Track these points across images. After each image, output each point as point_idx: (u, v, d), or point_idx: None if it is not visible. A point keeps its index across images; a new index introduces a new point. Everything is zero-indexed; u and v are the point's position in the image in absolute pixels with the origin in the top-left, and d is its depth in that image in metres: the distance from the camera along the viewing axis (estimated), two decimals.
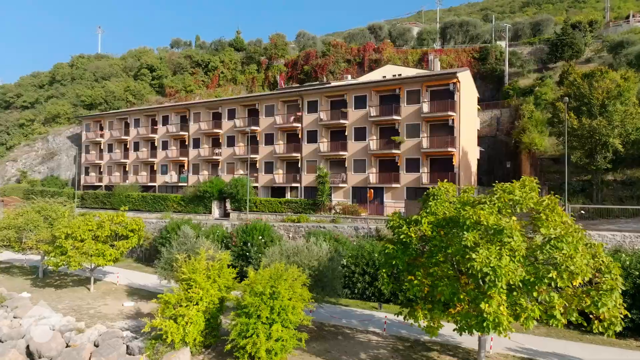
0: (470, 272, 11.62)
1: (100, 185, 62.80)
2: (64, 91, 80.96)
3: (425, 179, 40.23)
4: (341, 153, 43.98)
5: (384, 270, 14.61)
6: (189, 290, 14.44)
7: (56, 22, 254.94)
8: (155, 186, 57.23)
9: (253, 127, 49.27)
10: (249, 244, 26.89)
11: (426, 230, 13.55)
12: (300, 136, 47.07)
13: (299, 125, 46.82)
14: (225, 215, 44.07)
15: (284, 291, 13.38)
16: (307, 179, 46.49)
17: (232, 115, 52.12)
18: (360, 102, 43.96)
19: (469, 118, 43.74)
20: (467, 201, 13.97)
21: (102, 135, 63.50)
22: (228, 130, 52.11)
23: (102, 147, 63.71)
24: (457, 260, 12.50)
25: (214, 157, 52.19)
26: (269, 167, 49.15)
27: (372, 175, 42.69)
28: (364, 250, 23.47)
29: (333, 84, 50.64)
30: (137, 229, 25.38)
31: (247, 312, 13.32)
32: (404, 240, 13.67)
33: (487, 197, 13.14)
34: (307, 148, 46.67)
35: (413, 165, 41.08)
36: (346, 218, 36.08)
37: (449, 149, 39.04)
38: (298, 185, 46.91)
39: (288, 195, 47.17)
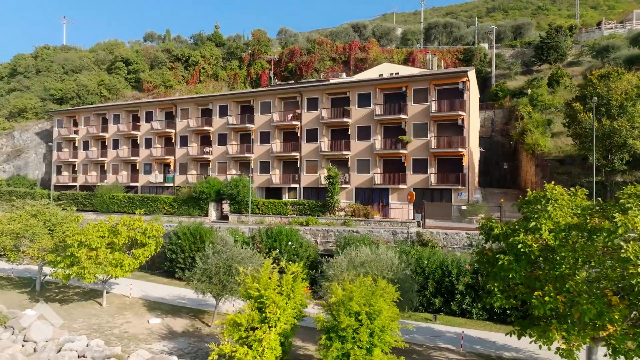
0: (636, 289, 10.25)
1: (75, 186, 58.48)
2: (28, 84, 75.24)
3: (432, 180, 39.23)
4: (344, 153, 42.38)
5: (495, 284, 13.09)
6: (264, 310, 12.35)
7: (15, 11, 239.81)
8: (137, 186, 53.71)
9: (248, 125, 46.92)
10: (278, 251, 24.82)
11: (548, 239, 12.14)
12: (299, 135, 45.11)
13: (298, 123, 44.86)
14: (223, 217, 41.55)
15: (385, 310, 11.63)
16: (307, 179, 44.63)
17: (224, 112, 49.49)
18: (364, 100, 42.50)
19: (474, 118, 43.20)
20: (590, 206, 12.71)
21: (76, 132, 59.14)
22: (220, 128, 49.44)
23: (76, 145, 59.34)
24: (604, 275, 11.12)
25: (204, 156, 49.39)
26: (265, 167, 46.92)
27: (377, 176, 41.34)
28: (410, 257, 21.94)
29: (334, 80, 48.98)
30: (156, 235, 22.75)
31: (343, 336, 11.47)
32: (522, 250, 12.17)
33: (627, 200, 11.81)
34: (306, 147, 44.78)
35: (420, 165, 40.01)
36: (359, 221, 34.46)
37: (459, 150, 38.20)
38: (297, 185, 44.95)
39: (286, 197, 45.14)
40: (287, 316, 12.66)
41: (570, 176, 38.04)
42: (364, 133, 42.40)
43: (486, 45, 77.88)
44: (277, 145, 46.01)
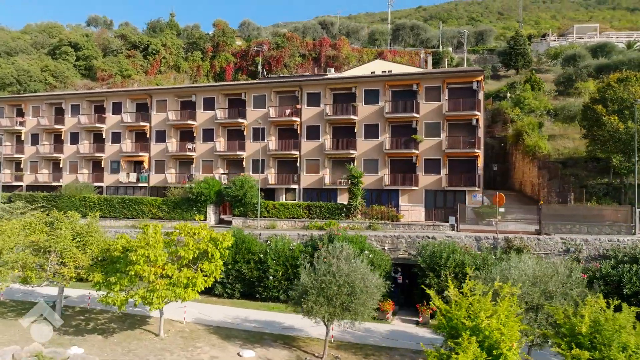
0: None
1: (20, 185, 50.48)
2: None
3: (445, 181, 38.12)
4: (350, 152, 40.03)
5: None
6: (496, 348, 9.64)
7: None
8: (102, 187, 47.32)
9: (239, 120, 42.96)
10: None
11: None
12: (299, 132, 42.04)
13: (298, 119, 41.78)
14: (221, 221, 37.39)
15: None
16: (308, 179, 41.71)
17: (210, 105, 44.99)
18: (372, 97, 40.46)
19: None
20: None
21: (22, 123, 51.09)
22: (205, 123, 44.88)
23: (22, 138, 51.28)
24: None
25: (187, 154, 44.53)
26: (258, 166, 43.19)
27: (386, 177, 39.48)
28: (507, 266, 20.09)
29: (339, 75, 46.44)
30: (227, 246, 18.63)
31: None
32: None
33: None
34: (307, 145, 41.84)
35: (432, 166, 38.74)
36: (385, 224, 32.32)
37: (475, 150, 37.43)
38: (296, 186, 41.84)
39: (282, 198, 41.84)
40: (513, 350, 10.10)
41: (578, 178, 38.73)
42: (372, 131, 40.36)
43: (450, 49, 79.44)
44: (273, 143, 42.56)
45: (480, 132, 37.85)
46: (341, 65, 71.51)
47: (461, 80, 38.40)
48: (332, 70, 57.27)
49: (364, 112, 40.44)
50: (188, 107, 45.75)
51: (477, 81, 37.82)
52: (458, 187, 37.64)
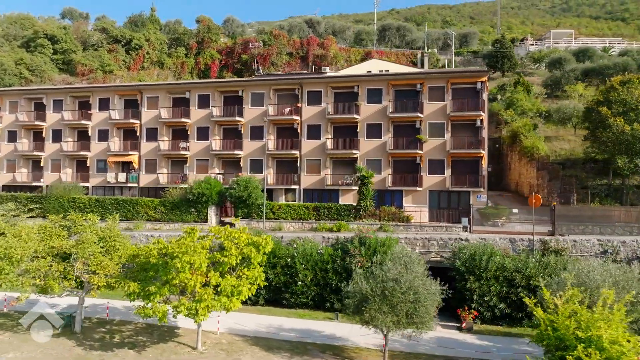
0: None
1: None
2: None
3: (449, 181, 37.87)
4: (353, 152, 39.25)
5: None
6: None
7: None
8: (88, 187, 44.83)
9: (237, 118, 41.51)
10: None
11: None
12: (299, 131, 40.97)
13: (298, 118, 40.70)
14: (222, 223, 35.86)
15: None
16: (308, 180, 40.68)
17: (204, 102, 43.32)
18: (375, 96, 39.85)
19: None
20: None
21: None
22: (200, 120, 43.17)
23: None
24: None
25: (180, 153, 42.71)
26: (257, 166, 41.89)
27: (389, 177, 38.93)
28: (554, 269, 19.64)
29: (340, 73, 45.57)
30: (268, 250, 17.22)
31: None
32: None
33: None
34: (307, 145, 40.81)
35: (437, 167, 38.44)
36: (397, 226, 31.72)
37: (479, 151, 37.32)
38: (296, 187, 40.72)
39: (282, 199, 40.65)
40: None
41: (577, 179, 39.18)
42: (375, 131, 39.73)
43: (436, 51, 79.96)
44: (272, 142, 41.31)
45: (485, 133, 37.78)
46: (329, 64, 70.64)
47: (465, 80, 38.25)
48: (327, 69, 56.43)
49: (366, 111, 39.77)
50: (181, 104, 43.93)
51: (482, 82, 37.77)
52: (462, 187, 37.44)
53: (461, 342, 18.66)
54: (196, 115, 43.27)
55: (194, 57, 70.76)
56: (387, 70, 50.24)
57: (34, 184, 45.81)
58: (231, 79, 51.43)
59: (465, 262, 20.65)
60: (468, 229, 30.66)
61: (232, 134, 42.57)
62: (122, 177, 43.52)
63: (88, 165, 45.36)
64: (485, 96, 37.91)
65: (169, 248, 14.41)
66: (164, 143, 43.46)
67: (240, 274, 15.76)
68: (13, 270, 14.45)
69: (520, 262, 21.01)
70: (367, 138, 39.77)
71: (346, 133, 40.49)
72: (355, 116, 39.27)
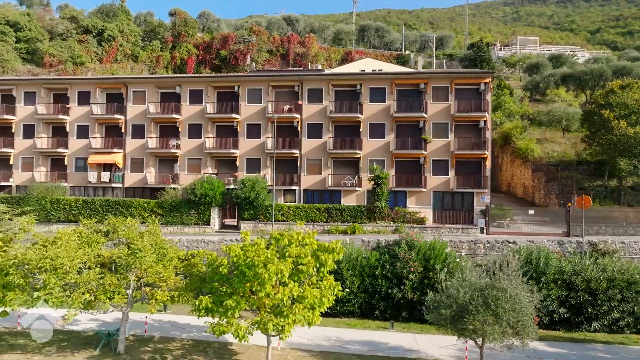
0: None
1: None
2: None
3: (453, 182, 37.66)
4: (355, 152, 38.26)
5: None
6: None
7: None
8: (65, 187, 41.29)
9: (233, 115, 39.53)
10: (437, 272, 19.73)
11: None
12: (299, 129, 39.53)
13: (298, 116, 39.24)
14: (224, 226, 33.88)
15: None
16: (309, 180, 39.33)
17: (196, 97, 40.98)
18: (378, 95, 39.08)
19: None
20: None
21: None
22: (192, 117, 40.79)
23: None
24: None
25: (170, 151, 40.14)
26: (254, 166, 40.05)
27: (393, 178, 38.23)
28: (612, 271, 19.29)
29: (341, 71, 44.35)
30: (340, 257, 15.47)
31: None
32: None
33: None
34: (308, 144, 39.45)
35: (440, 167, 38.13)
36: (412, 227, 31.00)
37: (483, 152, 37.32)
38: (296, 187, 39.25)
39: (281, 200, 39.03)
40: None
41: (573, 180, 40.06)
42: (378, 130, 38.94)
43: (413, 53, 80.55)
44: (270, 141, 39.60)
45: (488, 134, 37.84)
46: (310, 63, 69.56)
47: (469, 81, 38.18)
48: (319, 66, 55.14)
49: (369, 110, 38.91)
50: (170, 100, 41.32)
51: (485, 83, 37.81)
52: (467, 189, 37.30)
53: (539, 350, 17.83)
54: (188, 111, 40.85)
55: (169, 51, 67.47)
56: (382, 70, 49.68)
57: (3, 183, 41.70)
58: (227, 74, 49.20)
59: (523, 265, 20.10)
60: (485, 231, 30.43)
61: (227, 132, 40.49)
62: (105, 176, 40.36)
63: (66, 163, 41.80)
64: (489, 97, 37.98)
65: (246, 255, 12.57)
66: (152, 140, 40.73)
67: (319, 283, 14.04)
68: (59, 284, 12.23)
69: (578, 265, 20.75)
70: (370, 138, 38.90)
71: (347, 132, 39.46)
72: (358, 115, 38.30)
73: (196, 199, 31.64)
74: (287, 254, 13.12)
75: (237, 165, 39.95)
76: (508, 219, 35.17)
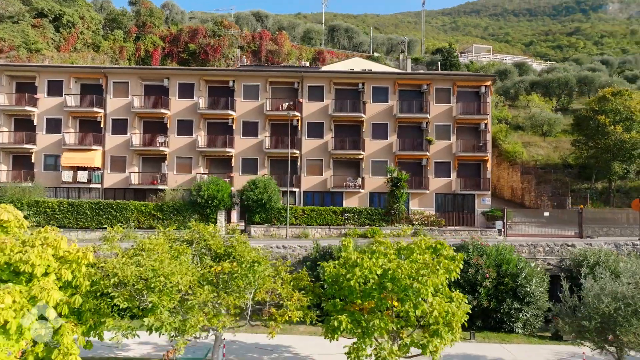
0: None
1: None
2: None
3: (455, 184, 37.68)
4: (358, 152, 37.19)
5: None
6: None
7: None
8: (41, 187, 36.53)
9: (229, 112, 37.05)
10: (519, 278, 18.66)
11: None
12: (299, 128, 37.80)
13: (298, 114, 37.50)
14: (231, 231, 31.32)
15: None
16: (309, 181, 37.72)
17: (187, 92, 37.98)
18: (380, 95, 38.27)
19: None
20: None
21: None
22: (181, 112, 37.74)
23: None
24: None
25: (158, 149, 36.83)
26: (250, 166, 37.78)
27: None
28: None
29: (342, 69, 42.87)
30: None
31: None
32: None
33: None
34: (308, 144, 37.82)
35: (443, 169, 38.01)
36: (431, 230, 30.42)
37: (484, 154, 37.63)
38: (296, 189, 37.46)
39: (280, 202, 37.06)
40: None
41: (562, 183, 41.54)
42: (380, 131, 38.12)
43: (378, 55, 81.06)
44: (267, 140, 37.52)
45: (489, 137, 38.22)
46: (282, 61, 67.79)
47: (471, 84, 38.37)
48: (307, 63, 53.42)
49: (371, 110, 37.99)
50: (156, 93, 37.97)
51: (486, 86, 38.17)
52: (469, 190, 37.42)
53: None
54: (177, 106, 37.73)
55: (133, 42, 62.78)
56: (370, 70, 48.97)
57: None
58: (222, 68, 46.30)
59: (594, 269, 19.80)
60: (503, 233, 30.48)
61: (221, 130, 37.84)
62: (82, 176, 36.20)
63: (33, 161, 37.10)
64: (489, 100, 38.38)
65: (400, 267, 10.74)
66: (137, 137, 37.17)
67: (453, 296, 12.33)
68: (169, 307, 9.77)
69: None
70: (372, 138, 37.96)
71: (349, 132, 38.30)
72: (361, 115, 37.25)
73: (202, 201, 28.95)
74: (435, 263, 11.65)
75: (233, 165, 37.45)
76: (509, 221, 35.62)
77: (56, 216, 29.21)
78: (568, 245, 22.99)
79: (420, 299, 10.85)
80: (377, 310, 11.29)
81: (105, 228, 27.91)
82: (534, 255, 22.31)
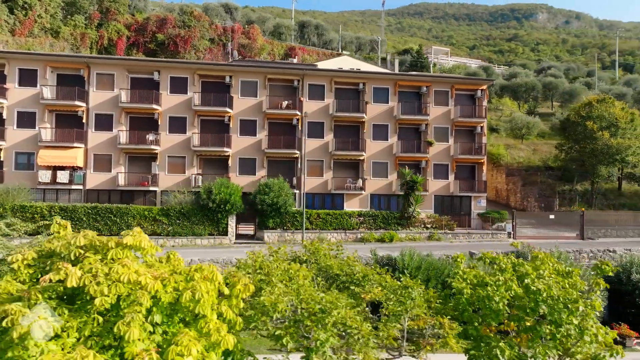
0: None
1: None
2: None
3: (453, 186, 38.14)
4: (359, 153, 36.59)
5: None
6: None
7: None
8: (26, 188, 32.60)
9: (225, 109, 35.05)
10: None
11: None
12: (300, 128, 36.52)
13: (299, 113, 36.22)
14: (238, 236, 29.59)
15: None
16: (309, 183, 36.48)
17: (179, 86, 35.46)
18: (381, 96, 37.84)
19: None
20: None
21: None
22: (173, 109, 35.19)
23: None
24: None
25: (148, 147, 34.08)
26: (248, 166, 36.03)
27: (396, 182, 37.41)
28: None
29: (332, 67, 41.75)
30: None
31: None
32: None
33: None
34: (308, 144, 36.59)
35: (441, 171, 38.29)
36: (445, 234, 30.45)
37: (481, 157, 38.36)
38: (296, 191, 36.11)
39: None
40: None
41: (547, 184, 43.31)
42: (381, 132, 37.72)
43: (348, 53, 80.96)
44: (267, 139, 35.94)
45: (484, 139, 38.96)
46: (255, 56, 65.69)
47: (468, 87, 38.90)
48: (294, 59, 51.80)
49: (372, 111, 37.47)
50: (145, 87, 35.12)
51: (482, 89, 38.85)
52: (467, 192, 37.97)
53: None
54: (168, 101, 35.13)
55: (95, 29, 58.12)
56: (359, 69, 48.46)
57: None
58: (218, 62, 43.57)
59: None
60: (512, 236, 31.10)
61: (216, 128, 35.71)
62: (63, 176, 32.72)
63: (2, 158, 33.06)
64: (485, 103, 39.09)
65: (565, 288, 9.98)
66: (124, 134, 34.18)
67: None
68: (332, 343, 8.22)
69: None
70: (373, 139, 37.46)
71: (349, 133, 37.58)
72: (362, 115, 36.62)
73: (214, 205, 26.95)
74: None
75: (230, 165, 35.48)
76: (504, 223, 36.57)
77: (46, 222, 26.00)
78: (610, 251, 23.79)
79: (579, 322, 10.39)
80: (539, 337, 10.65)
81: (104, 235, 25.48)
82: (579, 262, 22.84)
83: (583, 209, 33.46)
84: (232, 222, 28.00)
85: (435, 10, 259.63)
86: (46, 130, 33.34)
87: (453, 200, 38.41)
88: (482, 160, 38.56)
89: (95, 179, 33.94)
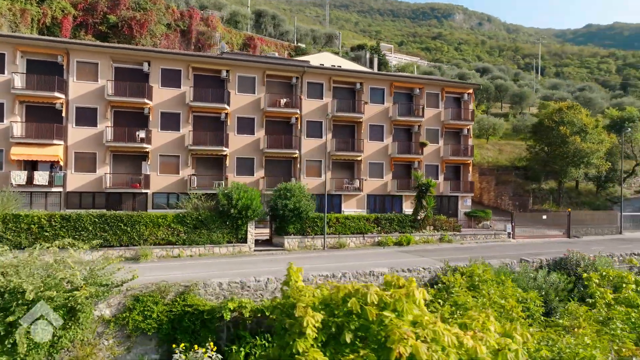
0: None
1: None
2: None
3: (443, 187, 39.35)
4: (357, 154, 36.39)
5: None
6: None
7: None
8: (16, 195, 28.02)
9: (224, 105, 32.99)
10: None
11: None
12: (298, 127, 35.41)
13: (298, 112, 35.09)
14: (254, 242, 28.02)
15: None
16: (309, 183, 35.60)
17: (171, 79, 32.64)
18: (377, 96, 37.81)
19: None
20: None
21: None
22: (165, 104, 32.36)
23: None
24: None
25: (137, 145, 31.02)
26: (245, 167, 34.35)
27: (391, 182, 37.83)
28: None
29: (315, 64, 40.63)
30: None
31: None
32: None
33: None
34: (307, 143, 35.70)
35: (432, 172, 39.24)
36: (454, 235, 31.31)
37: (468, 158, 39.88)
38: None
39: None
40: None
41: (517, 183, 46.15)
42: (377, 133, 37.76)
43: (303, 46, 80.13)
44: (265, 139, 34.42)
45: (470, 141, 40.50)
46: (214, 44, 62.62)
47: (456, 90, 40.08)
48: (274, 54, 49.70)
49: (369, 111, 37.32)
50: (133, 79, 31.90)
51: (468, 93, 40.28)
52: (455, 192, 39.35)
53: None
54: (160, 96, 32.22)
55: (37, 6, 51.66)
56: (339, 66, 48.05)
57: None
58: (214, 55, 40.03)
59: None
60: (512, 236, 32.77)
61: (212, 125, 33.48)
62: (41, 177, 28.74)
63: None
64: (471, 106, 40.57)
65: None
66: (110, 131, 30.82)
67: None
68: None
69: None
70: (369, 140, 37.38)
71: (346, 133, 37.21)
72: (360, 115, 36.37)
73: (235, 211, 25.16)
74: None
75: (227, 165, 33.50)
76: (489, 221, 38.51)
77: (45, 233, 22.58)
78: (635, 254, 25.75)
79: None
80: None
81: (113, 246, 22.93)
82: (611, 265, 24.42)
83: (569, 209, 36.18)
84: (251, 228, 26.38)
85: (361, 4, 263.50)
86: (18, 125, 29.03)
87: (442, 200, 39.57)
88: (469, 162, 40.10)
89: (76, 180, 30.27)
